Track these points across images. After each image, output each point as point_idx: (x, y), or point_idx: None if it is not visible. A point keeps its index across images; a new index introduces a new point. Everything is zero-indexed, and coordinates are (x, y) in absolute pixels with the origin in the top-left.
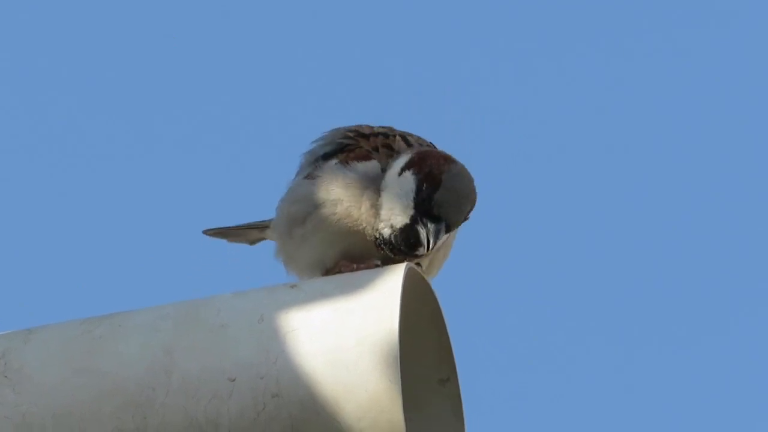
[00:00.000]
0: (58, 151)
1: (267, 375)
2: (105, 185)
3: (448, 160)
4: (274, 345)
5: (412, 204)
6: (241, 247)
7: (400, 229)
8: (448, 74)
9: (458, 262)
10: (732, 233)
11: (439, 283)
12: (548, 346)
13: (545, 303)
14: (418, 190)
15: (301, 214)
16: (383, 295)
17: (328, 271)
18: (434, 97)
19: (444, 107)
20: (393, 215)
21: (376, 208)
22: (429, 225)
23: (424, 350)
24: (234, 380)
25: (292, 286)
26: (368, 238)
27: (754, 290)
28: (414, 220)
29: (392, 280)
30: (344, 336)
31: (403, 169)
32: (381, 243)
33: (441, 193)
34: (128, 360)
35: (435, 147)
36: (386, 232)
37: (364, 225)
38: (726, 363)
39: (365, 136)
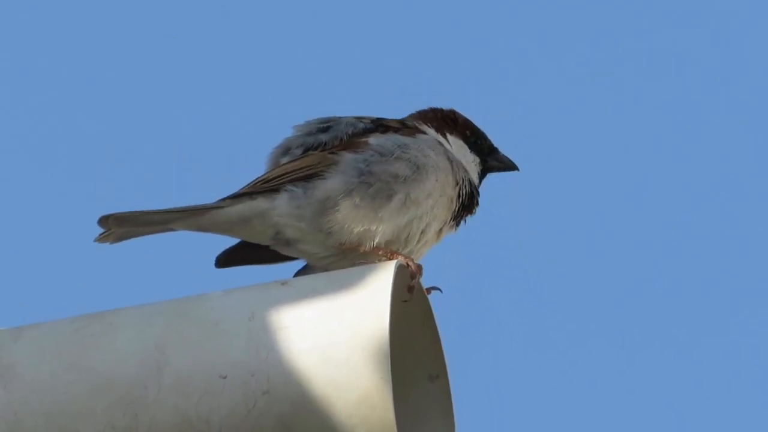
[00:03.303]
0: (46, 150)
1: (258, 372)
2: (95, 183)
3: (445, 110)
4: (265, 342)
5: (474, 155)
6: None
7: (480, 175)
8: (445, 73)
9: (449, 259)
10: (732, 234)
11: (429, 280)
12: (540, 343)
13: (537, 300)
14: (468, 141)
15: (405, 172)
16: (374, 292)
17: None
18: (430, 96)
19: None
20: (473, 170)
21: (461, 166)
22: (498, 155)
23: (414, 347)
24: (225, 377)
25: (283, 283)
26: (452, 201)
27: (754, 292)
28: (485, 163)
29: (382, 278)
30: (335, 333)
31: (444, 137)
32: (471, 197)
33: (479, 129)
34: (120, 357)
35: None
36: (476, 181)
37: (456, 186)
38: (724, 364)
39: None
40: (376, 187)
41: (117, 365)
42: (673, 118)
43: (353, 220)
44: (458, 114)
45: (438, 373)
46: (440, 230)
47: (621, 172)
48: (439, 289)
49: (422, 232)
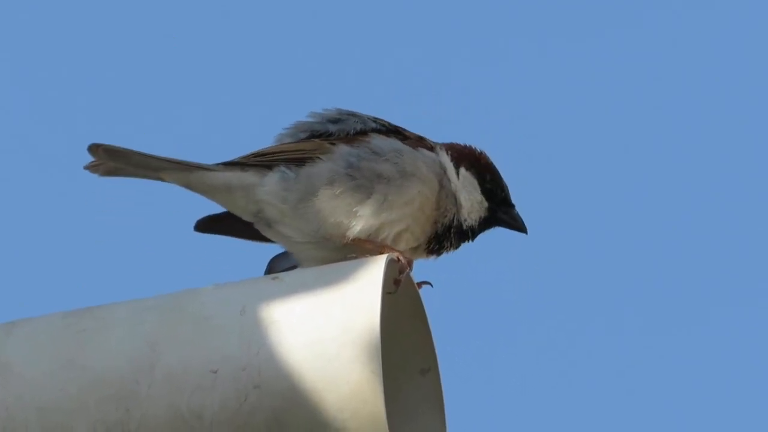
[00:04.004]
0: (43, 145)
1: (249, 366)
2: (87, 181)
3: (477, 150)
4: (256, 337)
5: (483, 198)
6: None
7: (482, 220)
8: (441, 70)
9: (422, 261)
10: (728, 232)
11: (419, 274)
12: (531, 337)
13: (529, 295)
14: (483, 184)
15: (390, 174)
16: (364, 286)
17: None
18: (424, 93)
19: (437, 104)
20: (474, 209)
21: (453, 198)
22: (511, 211)
23: (404, 340)
24: (216, 372)
25: (274, 278)
26: (429, 223)
27: (753, 292)
28: (493, 212)
29: (373, 272)
30: (326, 328)
31: (456, 168)
32: (448, 230)
33: (502, 180)
34: (112, 353)
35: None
36: (468, 222)
37: (437, 211)
38: (720, 364)
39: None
40: (358, 183)
41: (109, 360)
42: (671, 119)
43: (329, 209)
44: (485, 156)
45: (429, 367)
46: (416, 248)
47: (617, 171)
48: (430, 284)
49: (393, 240)
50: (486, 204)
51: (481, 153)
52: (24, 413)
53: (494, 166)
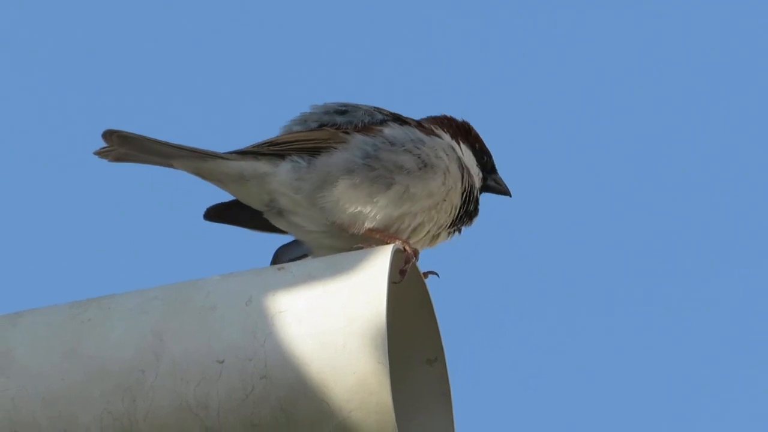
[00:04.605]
0: (41, 140)
1: (255, 357)
2: (91, 172)
3: (460, 120)
4: (262, 327)
5: (479, 169)
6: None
7: (480, 191)
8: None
9: (444, 243)
10: (726, 212)
11: (425, 263)
12: (538, 327)
13: (533, 285)
14: (477, 155)
15: (410, 165)
16: (371, 276)
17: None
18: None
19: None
20: (477, 182)
21: (470, 177)
22: (497, 177)
23: (411, 330)
24: (222, 362)
25: (280, 268)
26: (456, 210)
27: (750, 284)
28: (485, 181)
29: (379, 262)
30: (332, 318)
31: (458, 145)
32: (475, 204)
33: (487, 148)
34: (117, 343)
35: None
36: (476, 195)
37: (461, 198)
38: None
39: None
40: (377, 173)
41: (114, 351)
42: (668, 112)
43: (348, 199)
44: (471, 126)
45: (436, 357)
46: (437, 235)
47: (618, 166)
48: (436, 274)
49: (414, 230)
50: (481, 174)
51: (466, 123)
52: (30, 404)
53: (479, 134)
